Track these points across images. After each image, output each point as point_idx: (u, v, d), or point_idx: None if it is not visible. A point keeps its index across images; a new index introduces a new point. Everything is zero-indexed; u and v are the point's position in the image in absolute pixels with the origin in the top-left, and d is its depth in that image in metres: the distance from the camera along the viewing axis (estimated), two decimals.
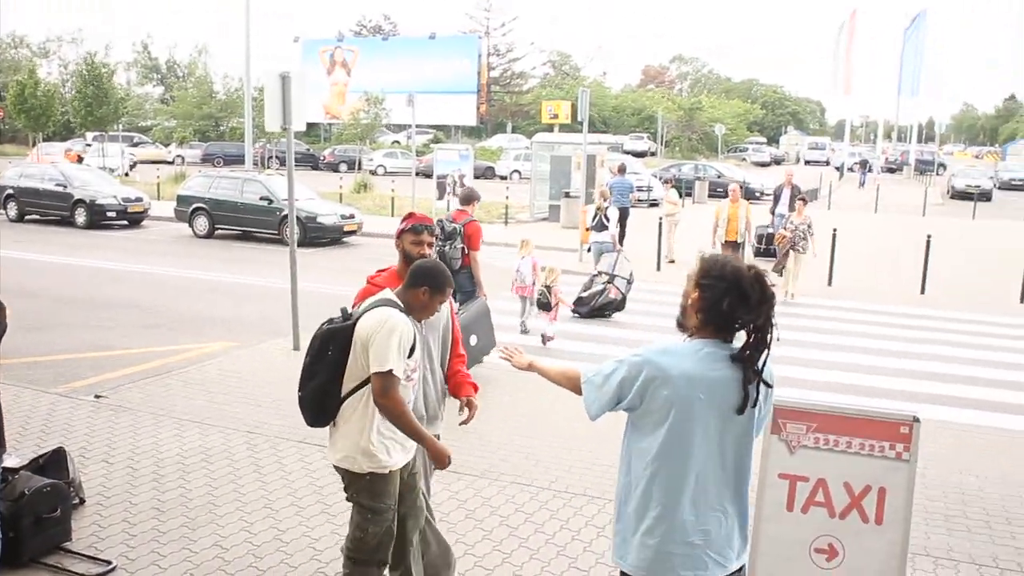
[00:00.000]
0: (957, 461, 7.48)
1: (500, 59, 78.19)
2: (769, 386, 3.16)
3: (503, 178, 44.31)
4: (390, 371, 3.97)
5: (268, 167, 40.74)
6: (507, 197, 27.79)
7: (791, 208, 17.29)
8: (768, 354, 3.09)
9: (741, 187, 20.17)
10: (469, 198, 10.16)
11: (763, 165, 65.85)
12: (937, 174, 58.80)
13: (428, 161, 36.07)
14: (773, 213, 19.20)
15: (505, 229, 23.62)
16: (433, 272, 4.25)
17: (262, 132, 39.19)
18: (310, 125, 65.05)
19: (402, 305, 4.18)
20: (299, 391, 4.23)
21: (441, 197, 25.75)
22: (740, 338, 3.12)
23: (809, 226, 15.16)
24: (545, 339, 11.65)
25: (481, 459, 7.05)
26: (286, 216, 16.35)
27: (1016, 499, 6.73)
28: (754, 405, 3.08)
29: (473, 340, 8.55)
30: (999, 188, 46.52)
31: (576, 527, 5.93)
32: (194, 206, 22.18)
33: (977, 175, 45.34)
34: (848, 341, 12.07)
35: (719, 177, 37.98)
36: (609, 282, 13.76)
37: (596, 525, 5.96)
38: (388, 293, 4.25)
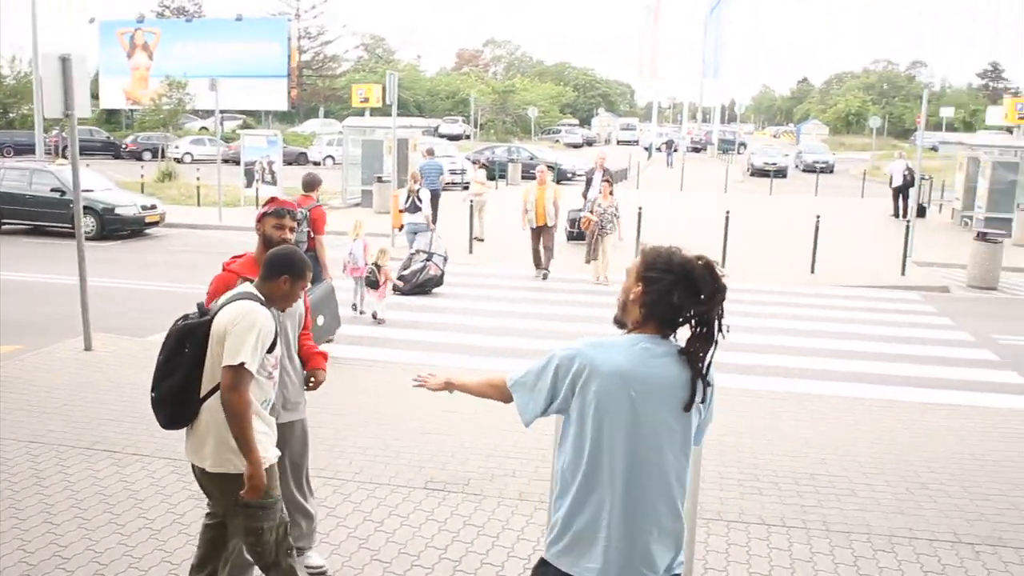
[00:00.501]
0: (752, 426, 7.84)
1: (311, 42, 76.46)
2: (709, 385, 2.97)
3: (316, 164, 43.46)
4: (242, 364, 3.79)
5: (64, 157, 38.31)
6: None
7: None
8: (715, 350, 2.93)
9: (552, 169, 20.39)
10: (312, 184, 10.23)
11: (576, 146, 67.33)
12: (738, 153, 61.92)
13: (236, 148, 34.86)
14: (585, 197, 19.28)
15: None
16: (291, 259, 4.12)
17: (55, 120, 36.81)
18: (111, 112, 61.83)
19: (262, 298, 4.03)
20: (152, 392, 4.02)
21: (250, 185, 24.99)
22: (681, 334, 2.96)
23: (616, 208, 15.39)
24: (376, 318, 11.99)
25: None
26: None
27: (803, 459, 7.11)
28: (703, 401, 2.93)
29: (320, 320, 8.62)
30: (803, 171, 48.46)
31: (379, 518, 5.82)
32: None
33: (774, 153, 47.90)
34: None
35: (532, 159, 38.46)
36: (428, 260, 14.18)
37: (399, 515, 5.87)
38: (248, 287, 4.10)
